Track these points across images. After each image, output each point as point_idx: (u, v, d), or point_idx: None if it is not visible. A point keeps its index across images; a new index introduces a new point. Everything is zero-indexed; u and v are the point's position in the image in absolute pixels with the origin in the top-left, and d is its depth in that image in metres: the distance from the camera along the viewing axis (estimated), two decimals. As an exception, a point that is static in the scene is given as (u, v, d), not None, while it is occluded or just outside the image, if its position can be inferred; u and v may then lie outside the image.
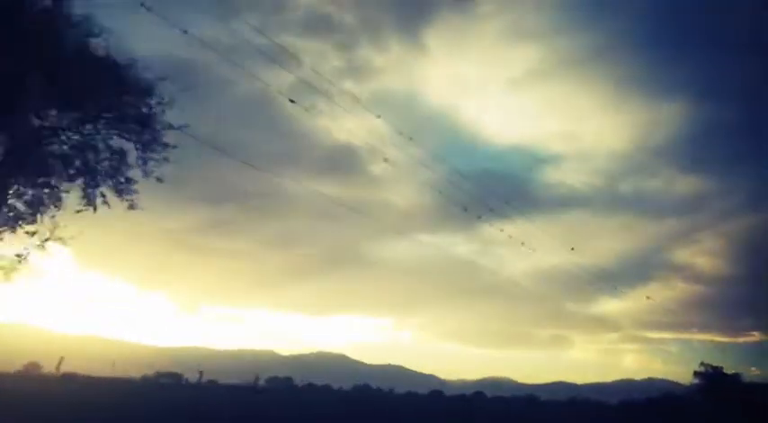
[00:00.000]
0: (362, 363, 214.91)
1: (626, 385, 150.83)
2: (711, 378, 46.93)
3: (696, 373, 48.24)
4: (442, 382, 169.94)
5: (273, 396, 42.12)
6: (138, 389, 41.97)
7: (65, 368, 62.08)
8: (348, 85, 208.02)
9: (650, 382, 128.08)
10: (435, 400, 51.37)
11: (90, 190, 13.10)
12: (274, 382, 52.80)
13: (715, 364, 47.99)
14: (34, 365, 51.54)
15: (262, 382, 48.85)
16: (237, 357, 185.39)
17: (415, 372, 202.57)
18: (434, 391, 57.29)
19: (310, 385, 52.10)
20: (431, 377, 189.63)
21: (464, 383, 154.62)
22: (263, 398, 38.14)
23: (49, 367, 60.60)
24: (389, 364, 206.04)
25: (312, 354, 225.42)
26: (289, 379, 53.62)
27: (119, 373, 57.06)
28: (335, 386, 56.66)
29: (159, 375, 46.97)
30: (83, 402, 25.04)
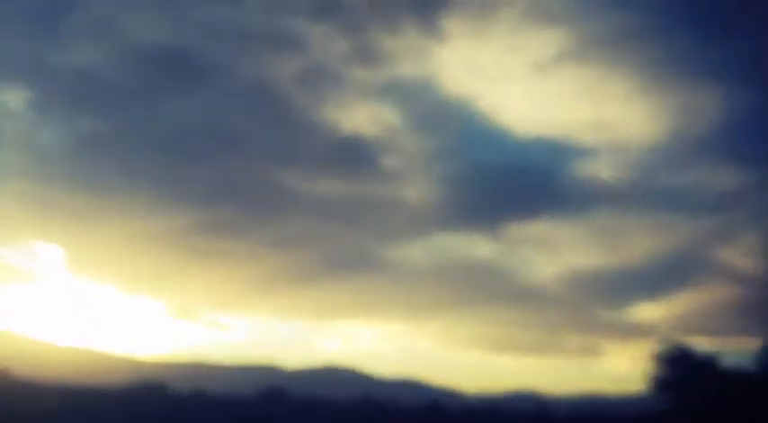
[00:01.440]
0: (374, 378, 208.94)
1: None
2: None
3: None
4: (462, 396, 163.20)
5: (258, 409, 37.83)
6: (115, 399, 38.15)
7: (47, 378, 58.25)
8: (358, 72, 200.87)
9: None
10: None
11: None
12: (267, 393, 48.61)
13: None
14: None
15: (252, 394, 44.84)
16: (238, 366, 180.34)
17: (432, 385, 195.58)
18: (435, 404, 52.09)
19: (303, 398, 47.68)
20: (449, 390, 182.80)
21: (485, 397, 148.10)
22: (245, 410, 34.01)
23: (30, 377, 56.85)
24: (407, 379, 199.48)
25: (319, 369, 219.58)
26: (281, 389, 49.47)
27: (104, 382, 53.08)
28: (332, 398, 51.96)
29: (141, 386, 43.23)
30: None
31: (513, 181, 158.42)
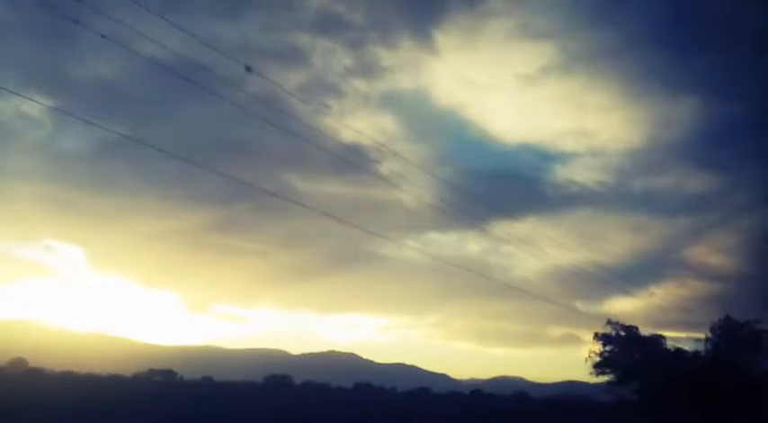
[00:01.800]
0: (373, 361, 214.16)
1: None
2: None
3: None
4: (455, 381, 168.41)
5: (265, 394, 41.12)
6: (121, 386, 41.22)
7: (67, 366, 61.99)
8: (358, 83, 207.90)
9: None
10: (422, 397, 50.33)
11: None
12: (272, 380, 51.96)
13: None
14: (20, 361, 51.42)
15: (260, 380, 48.09)
16: (248, 356, 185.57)
17: (427, 370, 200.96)
18: (421, 389, 55.85)
19: (306, 384, 51.06)
20: (443, 376, 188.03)
21: (475, 382, 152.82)
22: (251, 396, 37.17)
23: (50, 364, 60.53)
24: (402, 363, 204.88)
25: (322, 353, 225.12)
26: (287, 376, 52.72)
27: (119, 370, 56.63)
28: (335, 385, 55.62)
29: (152, 373, 46.30)
30: (46, 398, 24.52)
31: (500, 184, 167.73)
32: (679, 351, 41.28)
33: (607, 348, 39.85)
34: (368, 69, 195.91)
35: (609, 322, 40.47)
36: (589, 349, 40.36)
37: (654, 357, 39.84)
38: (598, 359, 39.58)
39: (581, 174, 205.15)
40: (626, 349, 39.97)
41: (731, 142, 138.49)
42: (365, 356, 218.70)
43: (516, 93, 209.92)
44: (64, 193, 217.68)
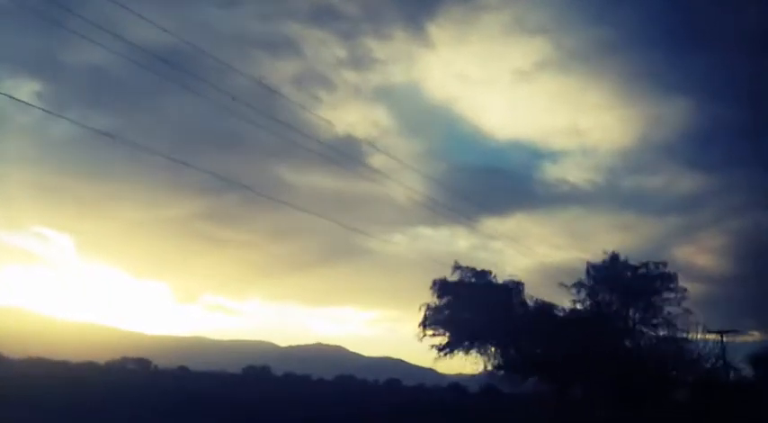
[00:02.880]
0: (360, 354, 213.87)
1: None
2: None
3: None
4: (440, 376, 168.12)
5: (241, 385, 40.53)
6: (90, 373, 40.42)
7: (53, 354, 60.84)
8: (350, 75, 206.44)
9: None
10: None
11: None
12: (250, 371, 51.41)
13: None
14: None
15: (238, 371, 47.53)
16: (235, 347, 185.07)
17: (413, 365, 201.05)
18: (393, 380, 55.47)
19: (287, 375, 50.52)
20: (429, 371, 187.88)
21: (461, 377, 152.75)
22: (225, 386, 36.60)
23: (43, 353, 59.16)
24: (388, 357, 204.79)
25: (309, 345, 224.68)
26: (266, 367, 52.19)
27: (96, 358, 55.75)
28: (317, 376, 55.17)
29: (126, 360, 45.59)
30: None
31: (491, 181, 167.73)
32: (545, 305, 31.13)
33: (444, 300, 29.90)
34: (360, 61, 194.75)
35: (457, 266, 30.43)
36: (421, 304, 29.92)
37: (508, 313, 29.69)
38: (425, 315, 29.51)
39: (572, 172, 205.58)
40: (471, 303, 29.57)
41: (723, 144, 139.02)
42: (352, 349, 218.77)
43: (509, 88, 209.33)
44: (53, 180, 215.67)
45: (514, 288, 30.80)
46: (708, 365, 30.56)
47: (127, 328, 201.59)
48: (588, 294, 32.71)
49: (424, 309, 29.50)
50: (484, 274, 30.72)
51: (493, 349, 30.24)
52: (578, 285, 32.67)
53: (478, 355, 30.23)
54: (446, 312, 29.64)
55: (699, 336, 30.65)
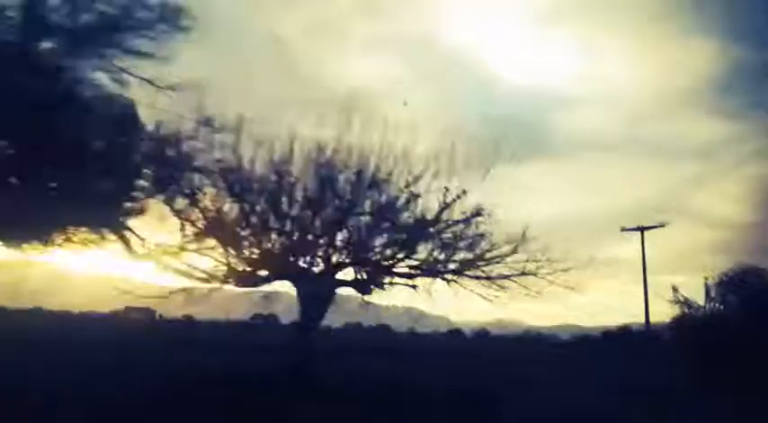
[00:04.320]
0: (375, 304, 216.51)
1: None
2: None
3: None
4: (454, 324, 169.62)
5: (243, 333, 39.64)
6: (92, 323, 39.79)
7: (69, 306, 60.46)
8: (362, 25, 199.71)
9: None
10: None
11: None
12: (257, 319, 50.67)
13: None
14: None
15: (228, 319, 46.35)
16: (248, 296, 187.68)
17: (428, 314, 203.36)
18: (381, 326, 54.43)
19: (293, 323, 49.19)
20: (444, 319, 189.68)
21: (474, 325, 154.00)
22: (225, 336, 35.64)
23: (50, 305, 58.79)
24: (403, 307, 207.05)
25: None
26: (272, 315, 51.19)
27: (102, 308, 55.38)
28: (325, 325, 54.19)
29: (129, 310, 44.84)
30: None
31: (507, 129, 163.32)
32: None
33: None
34: (372, 10, 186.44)
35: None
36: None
37: None
38: None
39: (589, 120, 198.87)
40: None
41: (743, 89, 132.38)
42: (368, 299, 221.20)
43: (526, 34, 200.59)
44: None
45: None
46: None
47: (143, 280, 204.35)
48: None
49: None
50: None
51: None
52: None
53: None
54: None
55: None
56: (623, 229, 40.52)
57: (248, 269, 17.92)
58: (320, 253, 18.29)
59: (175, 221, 16.80)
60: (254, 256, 17.83)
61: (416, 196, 17.67)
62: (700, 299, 21.68)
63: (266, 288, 19.99)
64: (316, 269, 18.29)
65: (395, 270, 18.83)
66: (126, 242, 16.19)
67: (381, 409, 13.32)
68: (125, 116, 14.53)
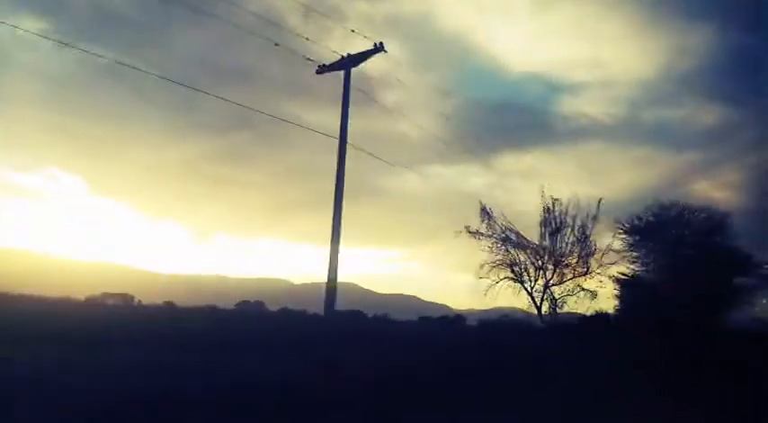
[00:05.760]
0: (373, 291, 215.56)
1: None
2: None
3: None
4: (453, 311, 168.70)
5: (224, 318, 38.56)
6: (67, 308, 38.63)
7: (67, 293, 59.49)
8: (361, 5, 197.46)
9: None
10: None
11: None
12: (243, 306, 49.69)
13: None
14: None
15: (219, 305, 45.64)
16: (251, 285, 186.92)
17: (427, 301, 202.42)
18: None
19: (284, 310, 48.62)
20: (442, 306, 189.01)
21: (473, 312, 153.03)
22: (208, 321, 34.53)
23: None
24: (401, 294, 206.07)
25: (323, 283, 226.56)
26: (259, 302, 50.33)
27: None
28: (312, 312, 53.22)
29: (106, 296, 43.77)
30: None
31: (506, 116, 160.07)
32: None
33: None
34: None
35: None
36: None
37: None
38: None
39: (590, 105, 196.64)
40: None
41: (746, 74, 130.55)
42: (365, 287, 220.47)
43: (526, 18, 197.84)
44: (59, 119, 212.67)
45: None
46: None
47: (143, 268, 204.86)
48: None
49: None
50: None
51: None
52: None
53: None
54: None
55: None
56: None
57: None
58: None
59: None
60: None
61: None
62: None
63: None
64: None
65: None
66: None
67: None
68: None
